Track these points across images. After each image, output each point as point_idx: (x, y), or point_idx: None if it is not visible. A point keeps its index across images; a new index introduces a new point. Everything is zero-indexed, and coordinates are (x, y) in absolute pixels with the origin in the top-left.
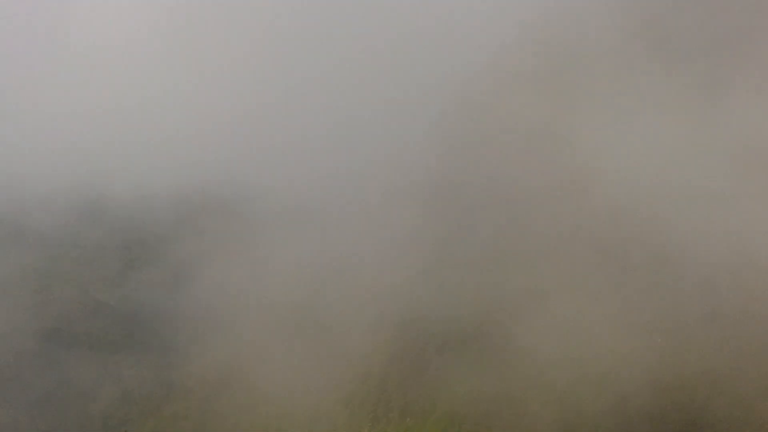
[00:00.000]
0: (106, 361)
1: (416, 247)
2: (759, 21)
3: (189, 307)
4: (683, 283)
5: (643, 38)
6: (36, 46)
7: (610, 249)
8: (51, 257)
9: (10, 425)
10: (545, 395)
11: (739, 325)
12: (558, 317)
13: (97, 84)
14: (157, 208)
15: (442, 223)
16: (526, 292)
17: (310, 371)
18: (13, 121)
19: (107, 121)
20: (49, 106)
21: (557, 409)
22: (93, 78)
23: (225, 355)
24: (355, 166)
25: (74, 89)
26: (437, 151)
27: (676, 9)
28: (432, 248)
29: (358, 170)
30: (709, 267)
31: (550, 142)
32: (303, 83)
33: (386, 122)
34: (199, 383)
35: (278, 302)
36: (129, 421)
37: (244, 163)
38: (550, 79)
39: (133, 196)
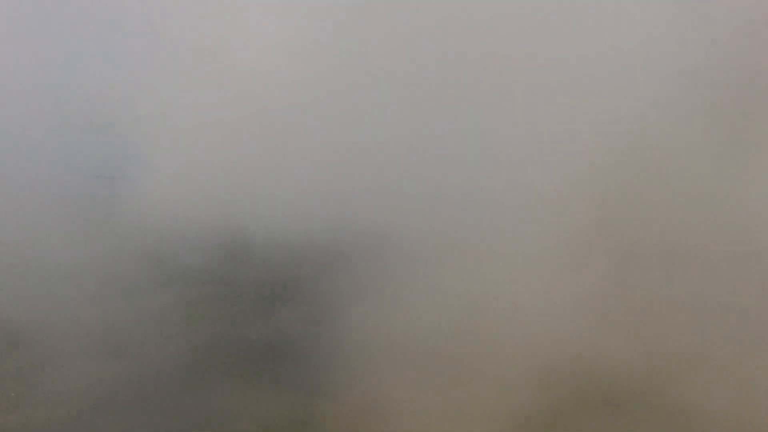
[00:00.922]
0: (244, 394)
1: (574, 297)
2: None
3: (329, 346)
4: None
5: None
6: (192, 90)
7: None
8: (198, 294)
9: None
10: None
11: None
12: (729, 379)
13: (245, 131)
14: (299, 250)
15: (602, 273)
16: (692, 354)
17: (446, 424)
18: (166, 164)
19: (253, 168)
20: (199, 151)
21: None
22: (242, 124)
23: (361, 398)
24: (512, 205)
25: (225, 133)
26: (600, 196)
27: None
28: (591, 301)
29: (517, 210)
30: None
31: (727, 202)
32: (442, 115)
33: (543, 157)
34: (334, 423)
35: (419, 346)
36: None
37: (385, 202)
38: (727, 131)
39: (276, 239)
